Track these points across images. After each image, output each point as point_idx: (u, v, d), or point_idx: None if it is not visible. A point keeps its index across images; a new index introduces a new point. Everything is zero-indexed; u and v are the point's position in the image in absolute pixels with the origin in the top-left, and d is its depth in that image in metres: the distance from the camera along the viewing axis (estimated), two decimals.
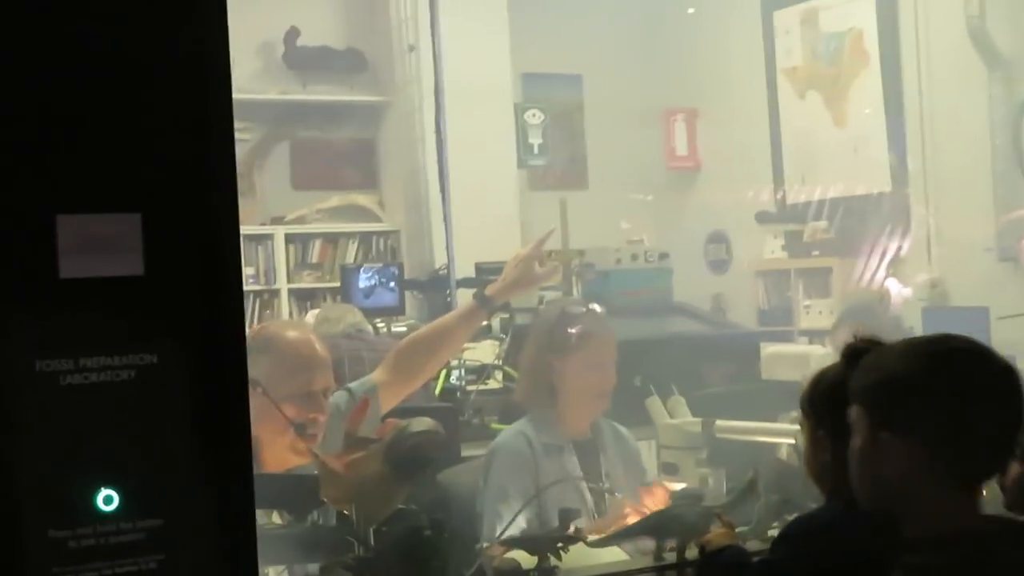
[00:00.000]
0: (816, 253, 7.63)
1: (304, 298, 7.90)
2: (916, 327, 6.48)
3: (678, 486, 3.05)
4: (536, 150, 7.95)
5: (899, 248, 7.15)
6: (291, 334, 2.96)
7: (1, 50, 1.77)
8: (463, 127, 7.06)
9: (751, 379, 5.03)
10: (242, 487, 1.91)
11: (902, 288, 6.97)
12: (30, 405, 1.79)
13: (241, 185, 8.03)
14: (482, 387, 5.48)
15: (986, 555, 1.81)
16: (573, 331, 3.54)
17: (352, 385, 3.17)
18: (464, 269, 6.14)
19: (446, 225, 6.17)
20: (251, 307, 7.94)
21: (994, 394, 1.85)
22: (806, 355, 6.66)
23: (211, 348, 1.90)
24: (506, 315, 5.47)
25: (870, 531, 1.96)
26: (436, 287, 5.84)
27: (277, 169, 8.26)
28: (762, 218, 8.03)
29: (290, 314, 7.74)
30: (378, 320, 5.70)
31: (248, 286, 7.95)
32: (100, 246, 1.84)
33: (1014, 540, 1.87)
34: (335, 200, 8.29)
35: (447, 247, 6.15)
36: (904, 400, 1.86)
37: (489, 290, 3.35)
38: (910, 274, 7.06)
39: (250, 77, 8.08)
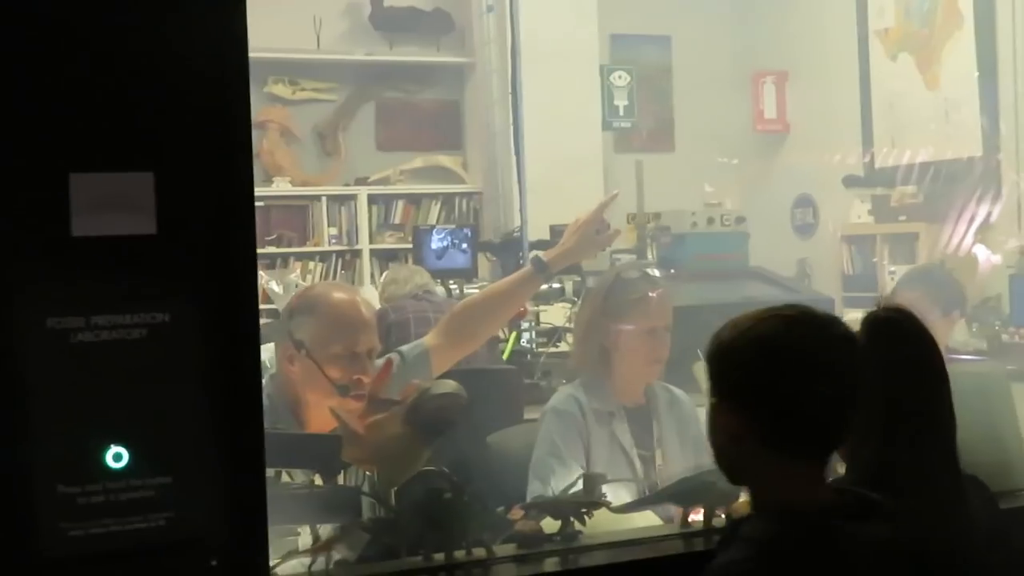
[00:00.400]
0: (903, 218, 7.49)
1: (386, 259, 7.95)
2: (1004, 294, 6.39)
3: None
4: (622, 112, 7.90)
5: (988, 214, 6.98)
6: (336, 295, 2.96)
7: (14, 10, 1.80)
8: (548, 88, 7.04)
9: None
10: (252, 446, 1.93)
11: (991, 255, 6.84)
12: (41, 362, 1.82)
13: (326, 146, 8.16)
14: (552, 349, 5.47)
15: (827, 528, 1.76)
16: (629, 296, 3.51)
17: (403, 348, 3.17)
18: (541, 232, 6.11)
19: (520, 186, 6.15)
20: (333, 267, 8.01)
21: (818, 365, 1.77)
22: None
23: (223, 307, 1.91)
24: (578, 278, 5.43)
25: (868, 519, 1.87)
26: (509, 249, 5.82)
27: (362, 130, 8.32)
28: (849, 182, 7.89)
29: (371, 275, 7.79)
30: (451, 282, 5.70)
31: (330, 246, 8.03)
32: (113, 205, 1.86)
33: (858, 513, 1.80)
34: (419, 161, 8.32)
35: (520, 208, 6.13)
36: (726, 368, 1.83)
37: (546, 255, 3.32)
38: (999, 240, 6.90)
39: (336, 38, 8.13)
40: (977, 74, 7.15)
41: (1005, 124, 6.99)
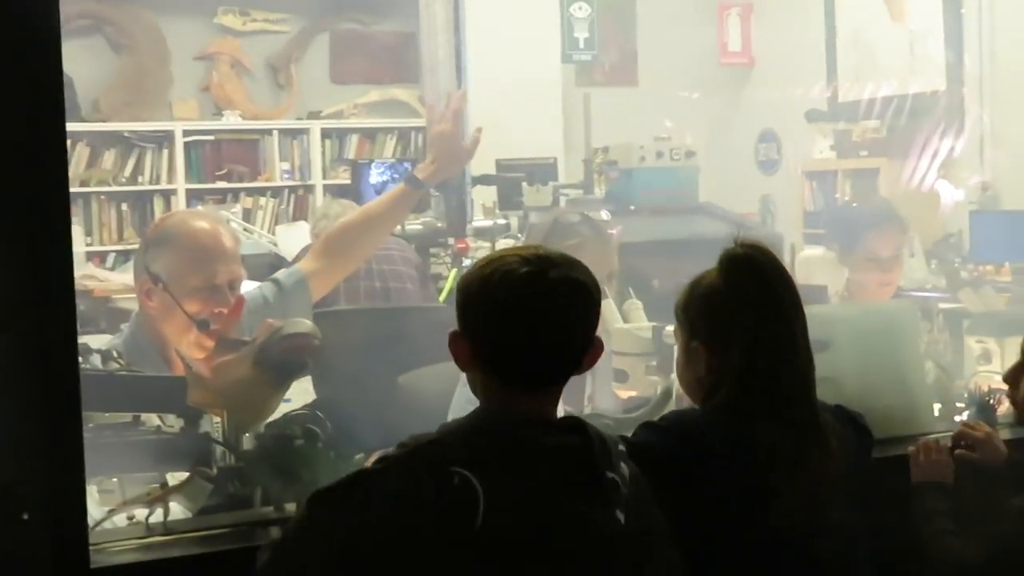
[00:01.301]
0: (864, 153, 7.36)
1: (340, 194, 7.77)
2: (964, 230, 6.29)
3: (627, 394, 2.90)
4: (582, 44, 7.71)
5: (951, 149, 6.87)
6: (193, 224, 2.83)
7: None
8: (504, 19, 6.86)
9: None
10: (66, 391, 1.80)
11: (953, 190, 6.74)
12: None
13: (279, 78, 7.99)
14: None
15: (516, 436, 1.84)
16: (568, 241, 3.39)
17: (279, 275, 3.07)
18: (488, 166, 5.96)
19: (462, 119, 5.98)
20: (285, 202, 7.87)
21: (513, 311, 1.84)
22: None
23: (33, 249, 1.77)
24: (521, 212, 5.31)
25: (733, 435, 2.01)
26: (451, 184, 5.66)
27: (315, 63, 8.15)
28: (812, 116, 7.75)
29: (312, 214, 7.66)
30: None
31: (283, 181, 7.88)
32: None
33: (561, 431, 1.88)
34: (374, 95, 8.16)
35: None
36: (457, 300, 1.92)
37: (419, 171, 3.23)
38: (962, 176, 6.80)
39: None
40: (942, 6, 7.01)
41: (969, 58, 6.86)
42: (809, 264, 6.10)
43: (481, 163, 6.07)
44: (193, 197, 7.68)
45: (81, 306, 1.78)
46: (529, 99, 7.12)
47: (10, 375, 1.76)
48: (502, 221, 5.39)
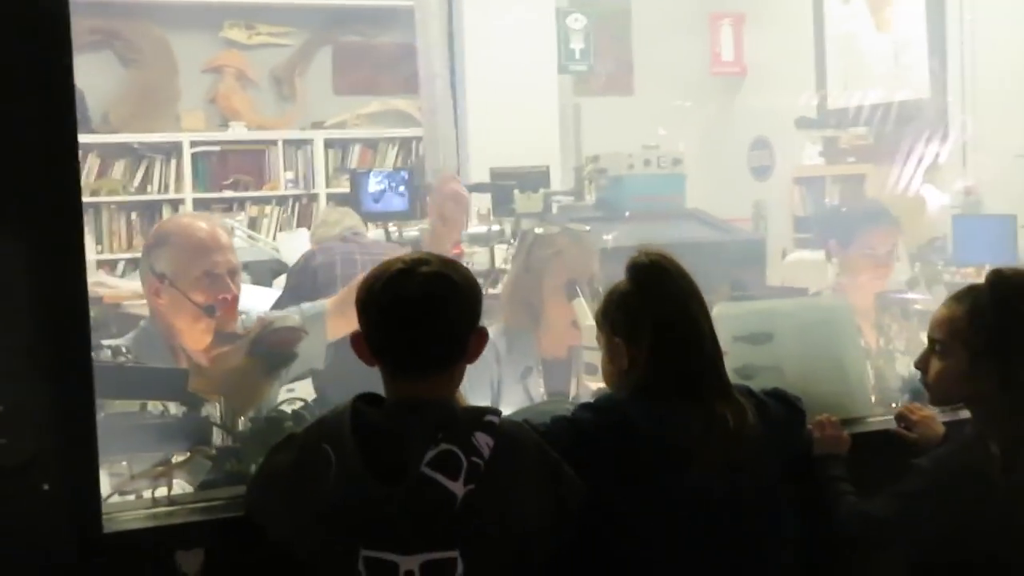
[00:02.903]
0: (852, 160, 7.56)
1: (342, 202, 7.99)
2: (949, 234, 6.47)
3: (596, 386, 3.11)
4: (578, 55, 7.92)
5: (936, 155, 7.04)
6: (187, 222, 3.09)
7: None
8: (501, 31, 7.06)
9: (755, 286, 5.02)
10: (81, 377, 2.03)
11: (938, 195, 6.92)
12: None
13: (282, 90, 8.22)
14: (491, 290, 5.55)
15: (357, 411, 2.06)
16: (547, 251, 3.60)
17: (304, 305, 3.26)
18: (482, 175, 6.17)
19: (456, 128, 6.22)
20: (290, 210, 8.09)
21: (386, 310, 2.08)
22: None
23: (49, 246, 2.00)
24: (512, 218, 5.48)
25: (654, 412, 2.25)
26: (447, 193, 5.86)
27: (319, 74, 8.36)
28: (802, 124, 7.95)
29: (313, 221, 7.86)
30: (390, 224, 5.77)
31: (287, 190, 8.10)
32: None
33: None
34: (375, 105, 8.37)
35: (457, 151, 6.20)
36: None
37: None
38: (946, 181, 6.97)
39: None
40: (926, 16, 7.19)
41: (952, 66, 7.04)
42: (796, 268, 6.34)
43: (477, 171, 6.31)
44: (200, 206, 7.89)
45: (93, 312, 1.99)
46: (526, 109, 7.32)
47: (33, 365, 1.99)
48: (496, 227, 5.55)
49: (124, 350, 2.55)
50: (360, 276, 2.17)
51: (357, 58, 8.40)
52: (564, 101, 7.95)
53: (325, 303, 3.31)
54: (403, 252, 5.22)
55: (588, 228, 3.96)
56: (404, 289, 2.06)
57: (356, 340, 2.12)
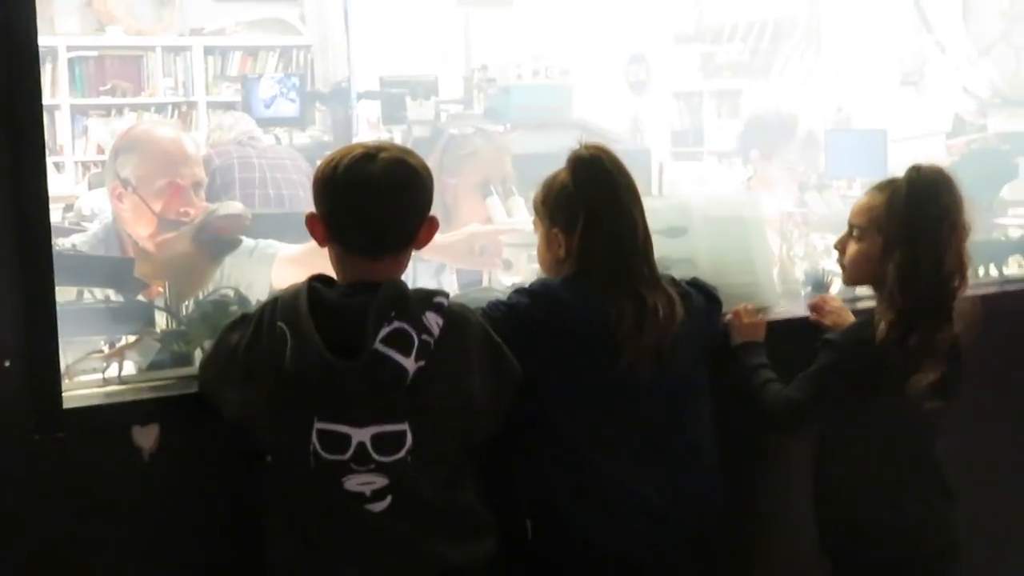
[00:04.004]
0: (728, 75, 7.73)
1: (223, 110, 7.93)
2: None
3: (510, 280, 3.23)
4: None
5: (809, 71, 7.23)
6: (157, 131, 3.09)
7: None
8: None
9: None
10: (40, 260, 2.08)
11: (810, 110, 7.12)
12: None
13: None
14: None
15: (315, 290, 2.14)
16: (462, 151, 3.67)
17: (261, 241, 3.16)
18: (372, 83, 6.20)
19: (347, 35, 6.22)
20: (169, 117, 8.00)
21: (346, 188, 2.14)
22: (703, 174, 6.87)
23: (8, 140, 2.04)
24: (405, 126, 5.53)
25: (588, 298, 2.38)
26: (337, 99, 5.89)
27: None
28: (680, 38, 8.09)
29: (208, 125, 7.80)
30: (279, 130, 5.79)
31: (166, 97, 8.01)
32: None
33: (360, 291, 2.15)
34: (256, 13, 8.29)
35: (347, 58, 6.22)
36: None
37: None
38: (818, 97, 7.16)
39: None
40: None
41: None
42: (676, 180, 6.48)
43: (365, 79, 6.33)
44: (77, 112, 7.78)
45: None
46: (410, 18, 7.34)
47: None
48: (386, 135, 5.60)
49: (73, 245, 2.57)
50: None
51: None
52: (448, 10, 7.97)
53: (278, 248, 3.28)
54: (298, 157, 5.27)
55: (502, 129, 4.03)
56: (365, 172, 2.12)
57: (311, 220, 2.18)
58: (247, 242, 3.14)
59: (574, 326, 2.38)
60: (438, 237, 2.24)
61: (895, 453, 2.66)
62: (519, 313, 2.38)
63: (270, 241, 3.26)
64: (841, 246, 2.74)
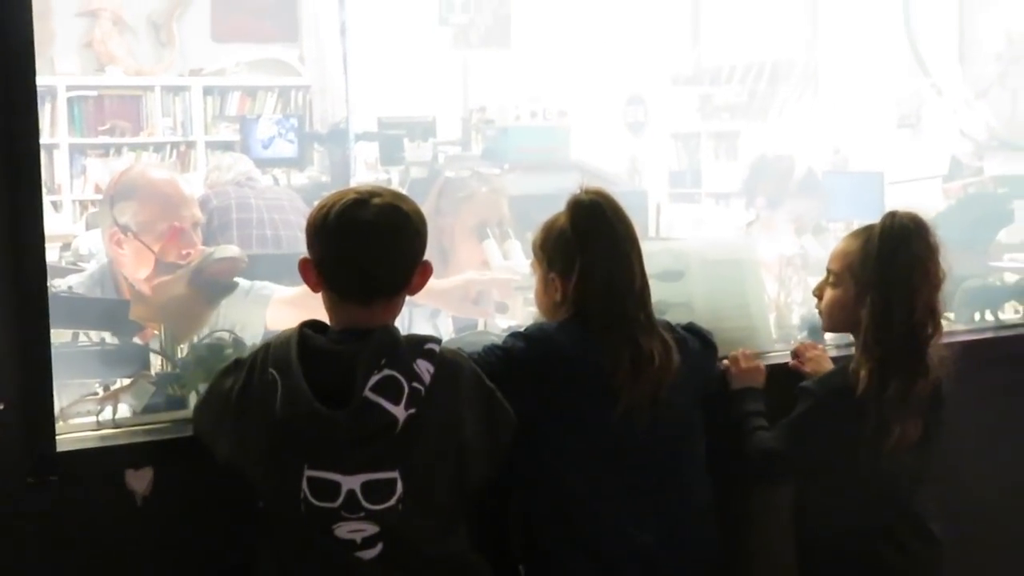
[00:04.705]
0: (726, 116, 7.76)
1: (221, 150, 7.95)
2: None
3: (506, 323, 3.22)
4: (458, 8, 7.98)
5: (806, 113, 7.27)
6: (153, 175, 3.09)
7: None
8: None
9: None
10: (37, 304, 2.08)
11: (808, 152, 7.15)
12: None
13: (160, 36, 8.12)
14: None
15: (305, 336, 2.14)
16: (458, 194, 3.67)
17: (257, 283, 3.16)
18: (369, 124, 6.22)
19: (345, 76, 6.24)
20: (167, 157, 8.02)
21: (339, 236, 2.14)
22: (701, 216, 6.88)
23: (6, 183, 2.04)
24: (403, 166, 5.55)
25: (584, 344, 2.36)
26: (335, 140, 5.90)
27: (197, 20, 8.25)
28: (678, 80, 8.13)
29: (206, 166, 7.82)
30: (277, 170, 5.79)
31: (164, 137, 8.03)
32: None
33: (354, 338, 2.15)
34: (255, 53, 8.32)
35: (346, 99, 6.23)
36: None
37: None
38: (815, 139, 7.19)
39: None
40: None
41: (823, 25, 7.27)
42: (673, 221, 6.49)
43: (363, 120, 6.35)
44: (76, 151, 7.79)
45: None
46: (408, 60, 7.37)
47: None
48: (384, 176, 5.62)
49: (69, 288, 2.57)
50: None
51: (236, 4, 8.32)
52: (447, 52, 8.03)
53: (274, 291, 3.26)
54: (296, 198, 5.28)
55: (499, 172, 4.04)
56: (358, 217, 2.12)
57: (304, 265, 2.18)
58: (243, 283, 3.14)
59: (569, 370, 2.37)
60: (434, 283, 2.23)
61: (873, 502, 2.63)
62: (514, 357, 2.38)
63: (265, 283, 3.25)
64: (819, 292, 2.73)
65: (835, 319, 2.71)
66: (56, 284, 2.55)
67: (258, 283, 3.20)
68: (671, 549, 2.43)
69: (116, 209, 3.00)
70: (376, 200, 2.15)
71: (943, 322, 2.62)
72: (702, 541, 2.51)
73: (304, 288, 2.20)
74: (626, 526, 2.40)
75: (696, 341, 2.55)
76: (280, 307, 3.15)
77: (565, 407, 2.37)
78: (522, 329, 2.48)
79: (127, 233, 2.95)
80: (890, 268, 2.54)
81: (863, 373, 2.53)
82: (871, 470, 2.58)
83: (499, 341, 2.44)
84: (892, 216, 2.60)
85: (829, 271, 2.70)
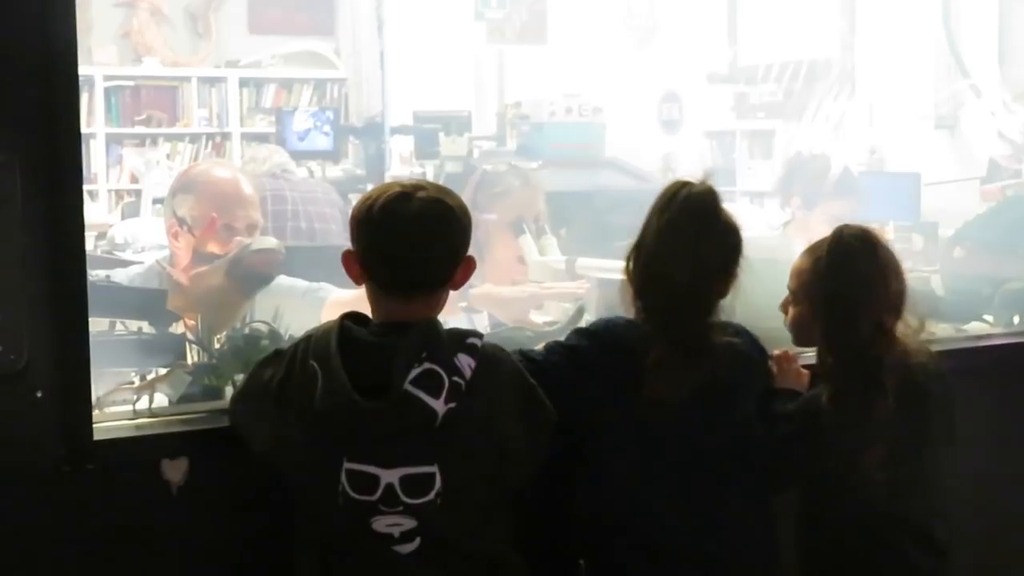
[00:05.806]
0: (761, 115, 7.73)
1: (257, 142, 7.98)
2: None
3: (542, 319, 3.22)
4: (494, 3, 7.98)
5: (842, 113, 7.22)
6: (215, 173, 3.12)
7: None
8: None
9: None
10: (75, 291, 2.09)
11: (844, 152, 7.11)
12: None
13: (197, 27, 8.15)
14: None
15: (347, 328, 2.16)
16: (494, 189, 3.67)
17: (313, 284, 3.15)
18: (405, 117, 6.23)
19: (381, 70, 6.25)
20: (203, 148, 8.06)
21: (385, 229, 2.13)
22: (736, 215, 6.83)
23: (48, 167, 2.05)
24: (438, 161, 5.55)
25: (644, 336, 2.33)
26: (371, 133, 5.92)
27: (234, 12, 8.30)
28: (713, 78, 8.10)
29: (241, 158, 7.85)
30: (313, 163, 5.81)
31: (200, 128, 8.06)
32: None
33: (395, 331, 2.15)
34: (291, 46, 8.35)
35: (382, 93, 6.24)
36: None
37: None
38: (851, 139, 7.15)
39: None
40: None
41: (861, 25, 7.23)
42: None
43: (399, 114, 6.36)
44: (112, 141, 7.84)
45: None
46: (444, 54, 7.38)
47: (28, 277, 2.04)
48: (419, 170, 5.63)
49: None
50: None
51: None
52: (482, 47, 8.03)
53: (327, 294, 3.22)
54: (331, 190, 5.29)
55: (535, 166, 4.03)
56: (402, 210, 2.11)
57: (347, 258, 2.18)
58: (299, 283, 3.13)
59: (631, 366, 2.32)
60: (495, 289, 2.22)
61: (868, 516, 2.54)
62: (578, 354, 2.35)
63: (322, 284, 3.24)
64: (783, 308, 2.66)
65: (799, 336, 2.64)
66: (95, 274, 2.56)
67: (314, 284, 3.20)
68: (729, 558, 2.39)
69: (175, 201, 3.05)
70: (421, 194, 2.14)
71: (936, 330, 2.51)
72: (761, 552, 2.46)
73: (360, 291, 2.20)
74: (686, 532, 2.36)
75: (749, 343, 2.51)
76: (336, 309, 3.14)
77: (628, 406, 2.34)
78: (587, 326, 2.46)
79: (183, 226, 2.99)
80: (833, 286, 2.47)
81: (825, 398, 2.46)
82: (858, 486, 2.49)
83: (562, 339, 2.42)
84: (840, 231, 2.51)
85: (788, 288, 2.65)
